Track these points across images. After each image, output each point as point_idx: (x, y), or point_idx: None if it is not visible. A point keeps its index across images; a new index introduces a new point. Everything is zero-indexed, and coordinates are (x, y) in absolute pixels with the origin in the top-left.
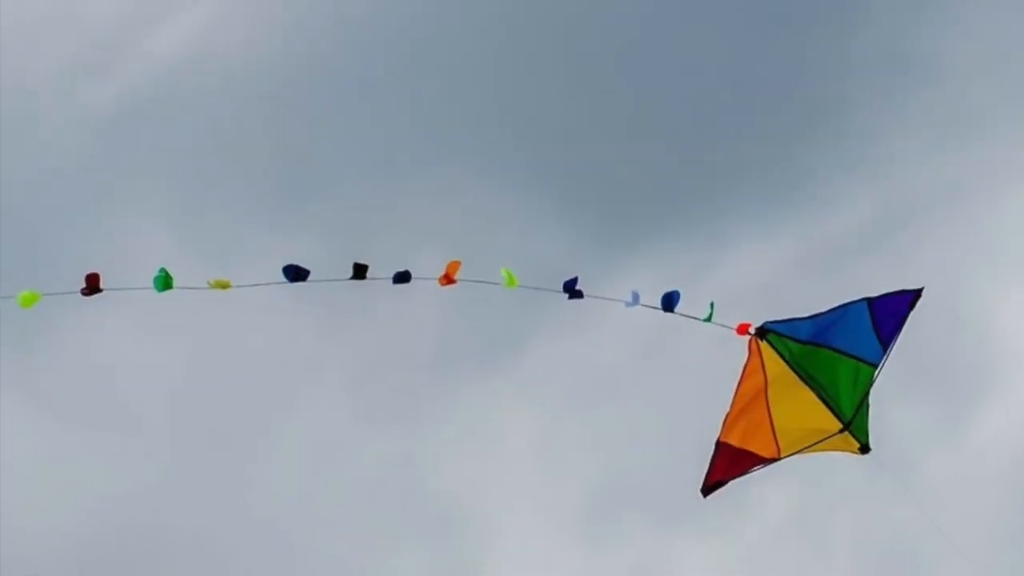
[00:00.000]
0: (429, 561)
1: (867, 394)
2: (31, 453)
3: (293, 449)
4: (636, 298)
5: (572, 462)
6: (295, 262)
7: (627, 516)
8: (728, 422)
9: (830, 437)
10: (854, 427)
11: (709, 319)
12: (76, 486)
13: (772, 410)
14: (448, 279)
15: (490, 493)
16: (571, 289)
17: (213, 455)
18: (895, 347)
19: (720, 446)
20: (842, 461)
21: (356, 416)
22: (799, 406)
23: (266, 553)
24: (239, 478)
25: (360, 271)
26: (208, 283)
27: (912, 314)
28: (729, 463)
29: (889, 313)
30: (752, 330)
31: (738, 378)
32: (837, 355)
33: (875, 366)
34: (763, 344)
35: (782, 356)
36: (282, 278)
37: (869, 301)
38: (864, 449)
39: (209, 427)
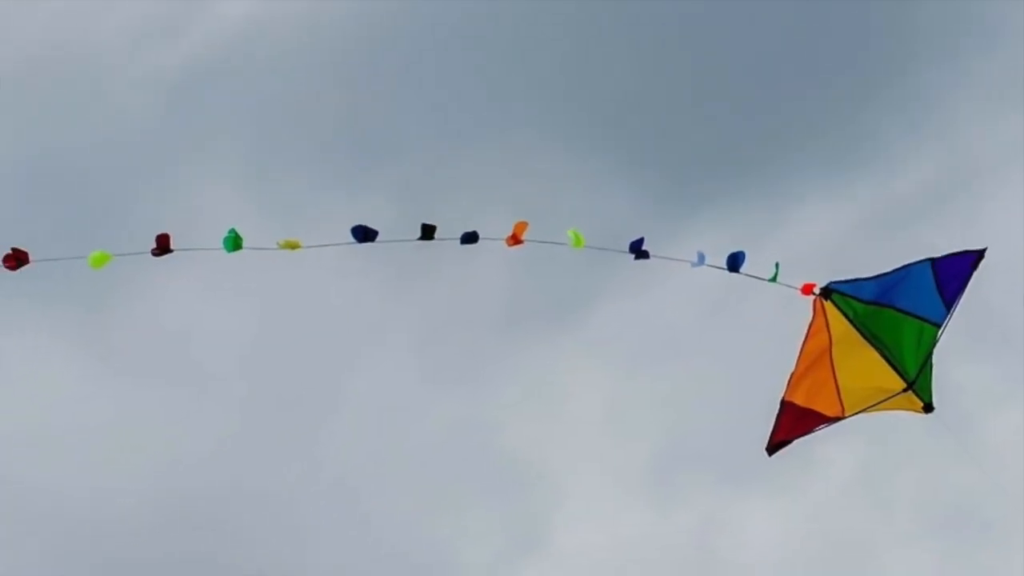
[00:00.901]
0: (497, 520)
1: (930, 354)
2: (103, 413)
3: (362, 409)
4: (702, 258)
5: (638, 422)
6: (364, 223)
7: (693, 475)
8: (793, 381)
9: (894, 396)
10: (917, 386)
11: (774, 279)
12: (147, 446)
13: (836, 369)
14: (515, 240)
15: (557, 452)
16: (637, 250)
17: (283, 414)
18: (958, 307)
19: (785, 405)
20: (905, 420)
21: (424, 376)
22: (863, 365)
23: (336, 512)
24: (308, 438)
25: (428, 232)
26: (277, 244)
27: (975, 274)
28: (794, 422)
29: (952, 273)
30: (817, 290)
31: (803, 338)
32: (901, 315)
33: (938, 326)
34: (827, 304)
35: (846, 316)
36: (351, 239)
37: (932, 261)
38: (927, 408)
39: (279, 387)
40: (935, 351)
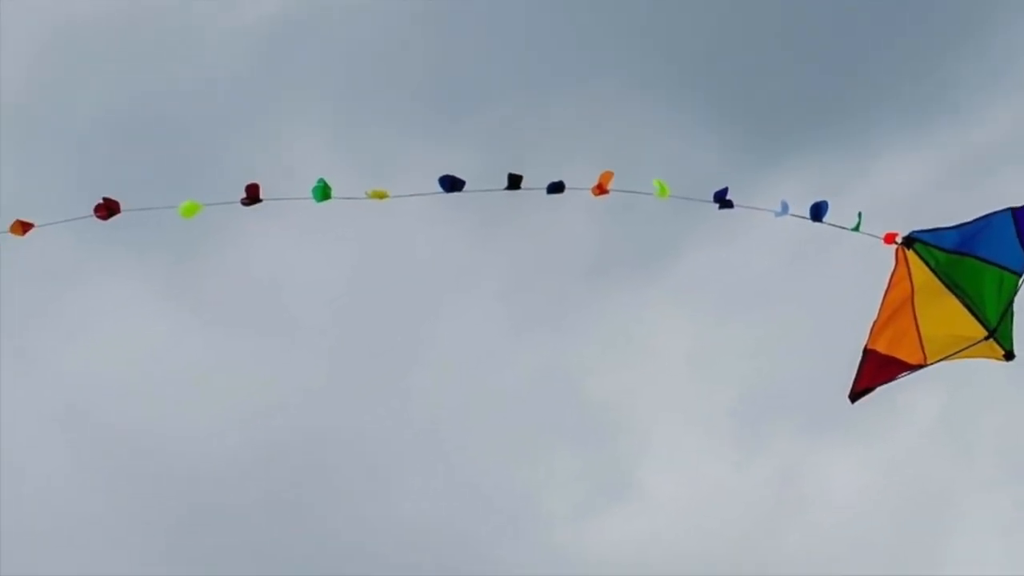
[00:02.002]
0: (582, 467)
1: (1011, 302)
2: (193, 360)
3: (449, 357)
4: (785, 208)
5: (722, 370)
6: (451, 173)
7: (776, 423)
8: (875, 330)
9: (975, 344)
10: (999, 334)
11: (857, 228)
12: (238, 393)
13: (918, 318)
14: (601, 189)
15: (641, 400)
16: (721, 199)
17: (371, 362)
18: None
19: (867, 353)
20: (986, 368)
21: (510, 324)
22: (945, 314)
23: (422, 458)
24: (397, 385)
25: (515, 181)
26: (366, 193)
27: None
28: (876, 370)
29: None
30: (899, 239)
31: (885, 287)
32: (982, 264)
33: (1019, 275)
34: (909, 253)
35: (928, 265)
36: (438, 188)
37: (1013, 211)
38: (1009, 356)
39: (367, 334)
40: (1016, 299)
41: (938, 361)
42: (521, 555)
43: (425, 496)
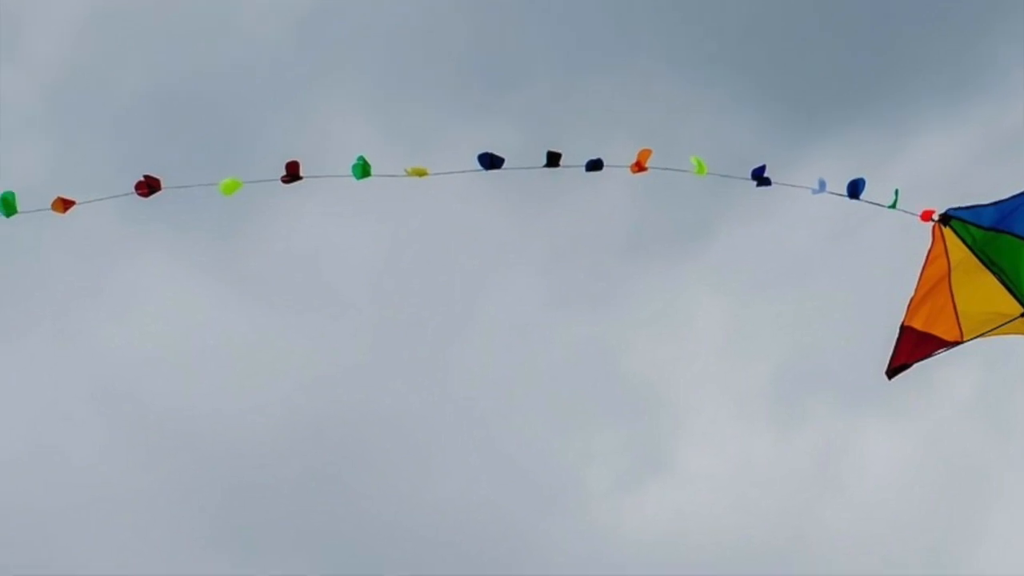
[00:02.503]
0: (621, 441)
1: None
2: (234, 337)
3: (489, 332)
4: (823, 185)
5: (760, 345)
6: (490, 150)
7: (813, 398)
8: (912, 306)
9: (1011, 321)
10: None
11: (894, 206)
12: (278, 369)
13: (955, 295)
14: (639, 167)
15: (680, 375)
16: (759, 176)
17: (412, 338)
18: None
19: (904, 330)
20: (1023, 344)
21: (550, 300)
22: (981, 291)
23: (463, 433)
24: (437, 360)
25: (554, 159)
26: (405, 171)
27: None
28: (913, 346)
29: None
30: (936, 216)
31: (922, 264)
32: (1019, 241)
33: None
34: (946, 230)
35: (965, 242)
36: (477, 166)
37: None
38: None
39: (407, 310)
40: None
41: (975, 338)
42: (560, 530)
43: (465, 472)
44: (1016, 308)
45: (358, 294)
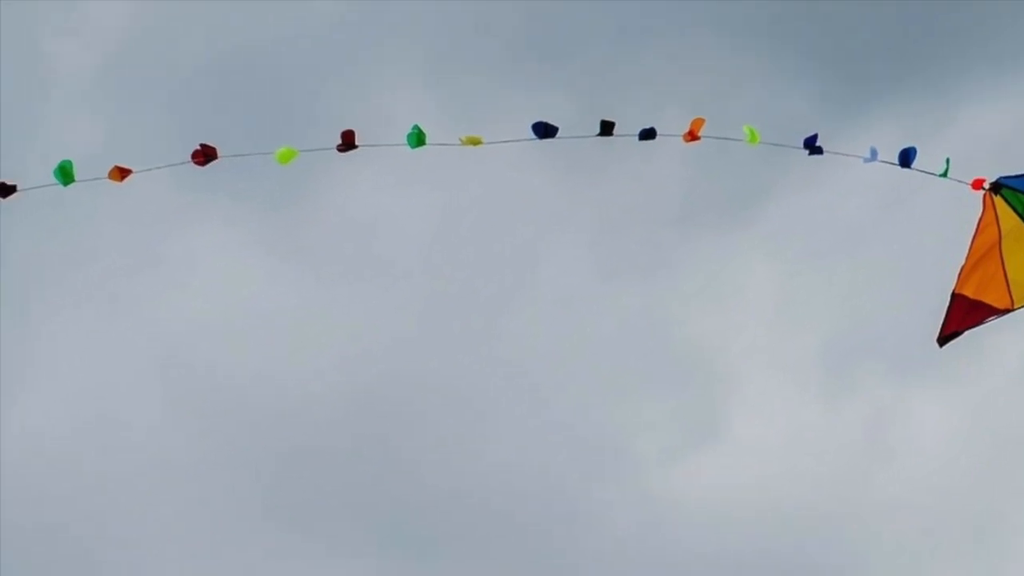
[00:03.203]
0: (672, 411)
1: None
2: (289, 306)
3: (541, 301)
4: (874, 154)
5: (810, 314)
6: (544, 119)
7: (864, 366)
8: (963, 274)
9: None
10: None
11: (945, 174)
12: (332, 336)
13: (1006, 263)
14: (692, 136)
15: (731, 344)
16: (811, 145)
17: (465, 307)
18: None
19: (955, 298)
20: None
21: (601, 269)
22: None
23: (516, 401)
24: (489, 329)
25: (607, 128)
26: (460, 140)
27: None
28: (964, 314)
29: None
30: (986, 185)
31: (972, 232)
32: None
33: None
34: (997, 199)
35: (1015, 210)
36: (531, 135)
37: None
38: None
39: (460, 278)
40: None
41: None
42: (611, 498)
43: (516, 440)
44: None
45: (411, 263)
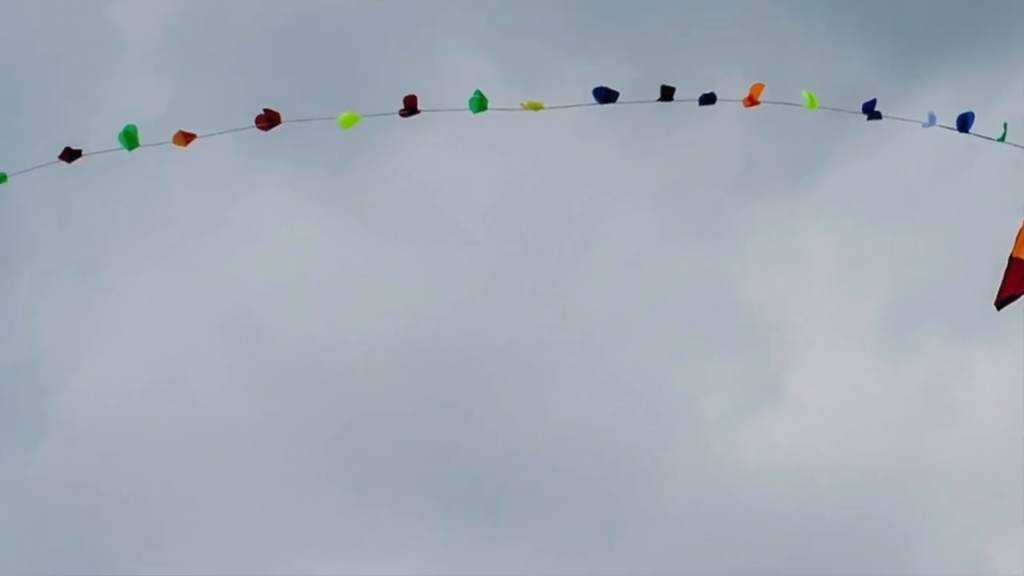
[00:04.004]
0: (735, 371)
1: None
2: (352, 269)
3: (604, 263)
4: (932, 119)
5: (870, 277)
6: (605, 84)
7: (924, 329)
8: (1020, 239)
9: None
10: None
11: (1002, 139)
12: (396, 299)
13: None
14: (752, 101)
15: (792, 307)
16: (870, 110)
17: (528, 269)
18: None
19: (1013, 262)
20: None
21: (664, 232)
22: None
23: (581, 363)
24: (554, 291)
25: (667, 93)
26: (521, 105)
27: None
28: (1021, 278)
29: None
30: None
31: None
32: None
33: None
34: None
35: None
36: (592, 100)
37: None
38: None
39: (524, 243)
40: None
41: None
42: (676, 458)
43: (581, 401)
44: None
45: (474, 227)
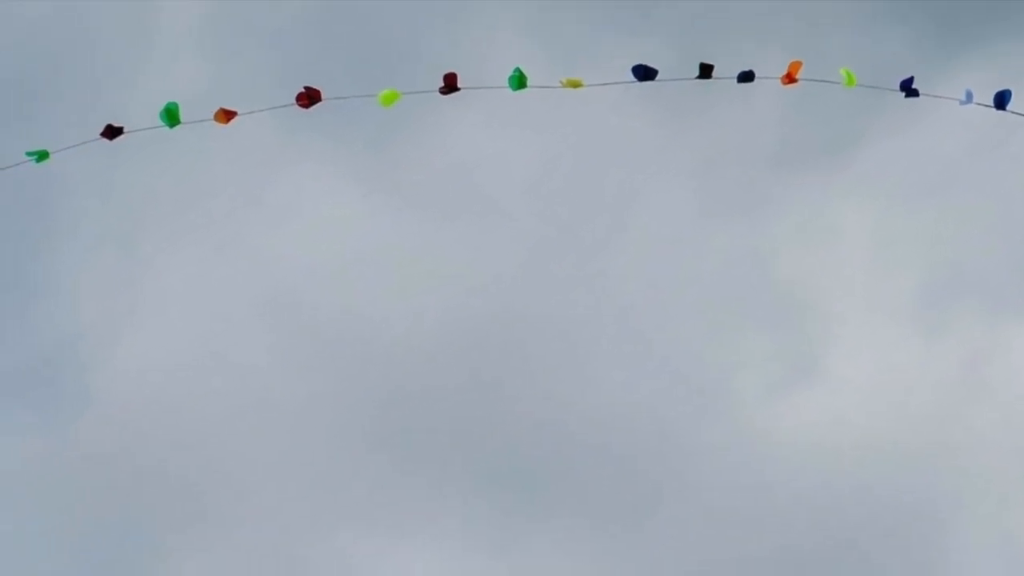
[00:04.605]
0: (773, 347)
1: None
2: (391, 246)
3: (642, 239)
4: (969, 96)
5: (906, 254)
6: (644, 62)
7: (960, 305)
8: None
9: None
10: None
11: None
12: (436, 278)
13: None
14: (790, 78)
15: (828, 283)
16: (907, 88)
17: (566, 247)
18: None
19: None
20: None
21: (701, 209)
22: None
23: (620, 340)
24: (592, 269)
25: (706, 71)
26: (561, 82)
27: None
28: None
29: None
30: None
31: None
32: None
33: None
34: None
35: None
36: (631, 77)
37: None
38: None
39: (563, 219)
40: None
41: None
42: (713, 434)
43: (620, 378)
44: None
45: (514, 203)
